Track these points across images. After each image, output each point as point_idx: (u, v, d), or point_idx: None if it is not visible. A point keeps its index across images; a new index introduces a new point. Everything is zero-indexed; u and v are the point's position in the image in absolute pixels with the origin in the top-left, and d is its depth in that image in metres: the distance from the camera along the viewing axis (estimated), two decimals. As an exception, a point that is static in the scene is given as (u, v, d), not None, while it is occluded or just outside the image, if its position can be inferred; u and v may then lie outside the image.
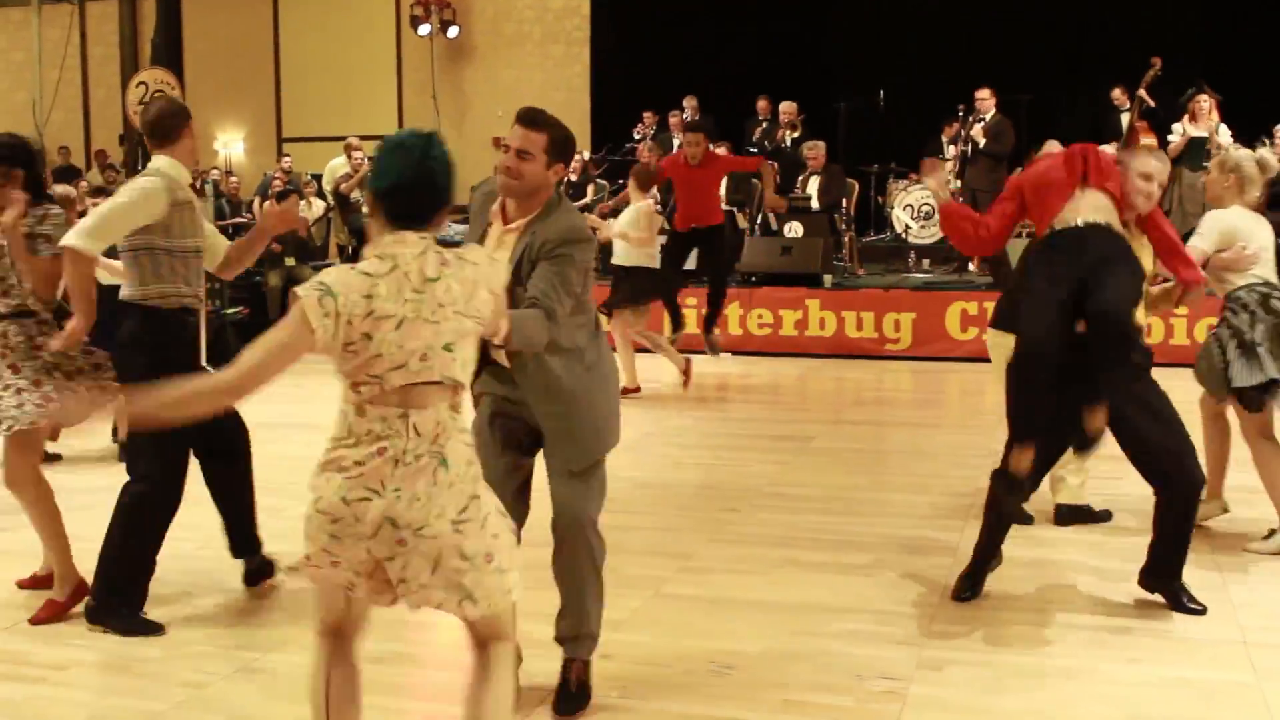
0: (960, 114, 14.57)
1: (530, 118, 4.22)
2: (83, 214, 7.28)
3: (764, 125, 16.92)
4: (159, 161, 5.33)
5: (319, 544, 3.17)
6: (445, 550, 3.13)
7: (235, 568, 5.89)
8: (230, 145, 23.10)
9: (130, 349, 5.22)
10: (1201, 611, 5.23)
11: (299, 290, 3.11)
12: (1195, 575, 5.57)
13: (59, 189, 8.43)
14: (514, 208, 4.28)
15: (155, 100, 5.72)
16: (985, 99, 14.09)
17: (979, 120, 14.10)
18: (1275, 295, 6.10)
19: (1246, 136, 13.14)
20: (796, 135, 16.07)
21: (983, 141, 13.95)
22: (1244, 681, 4.59)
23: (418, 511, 3.09)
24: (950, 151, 14.91)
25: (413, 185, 3.20)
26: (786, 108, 16.38)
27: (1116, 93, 15.44)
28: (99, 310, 5.32)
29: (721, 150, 12.45)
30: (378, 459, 3.09)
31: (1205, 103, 12.60)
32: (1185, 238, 12.39)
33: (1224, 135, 12.59)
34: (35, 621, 5.34)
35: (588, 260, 4.28)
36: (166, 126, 5.39)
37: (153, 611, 5.44)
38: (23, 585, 5.80)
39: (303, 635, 4.91)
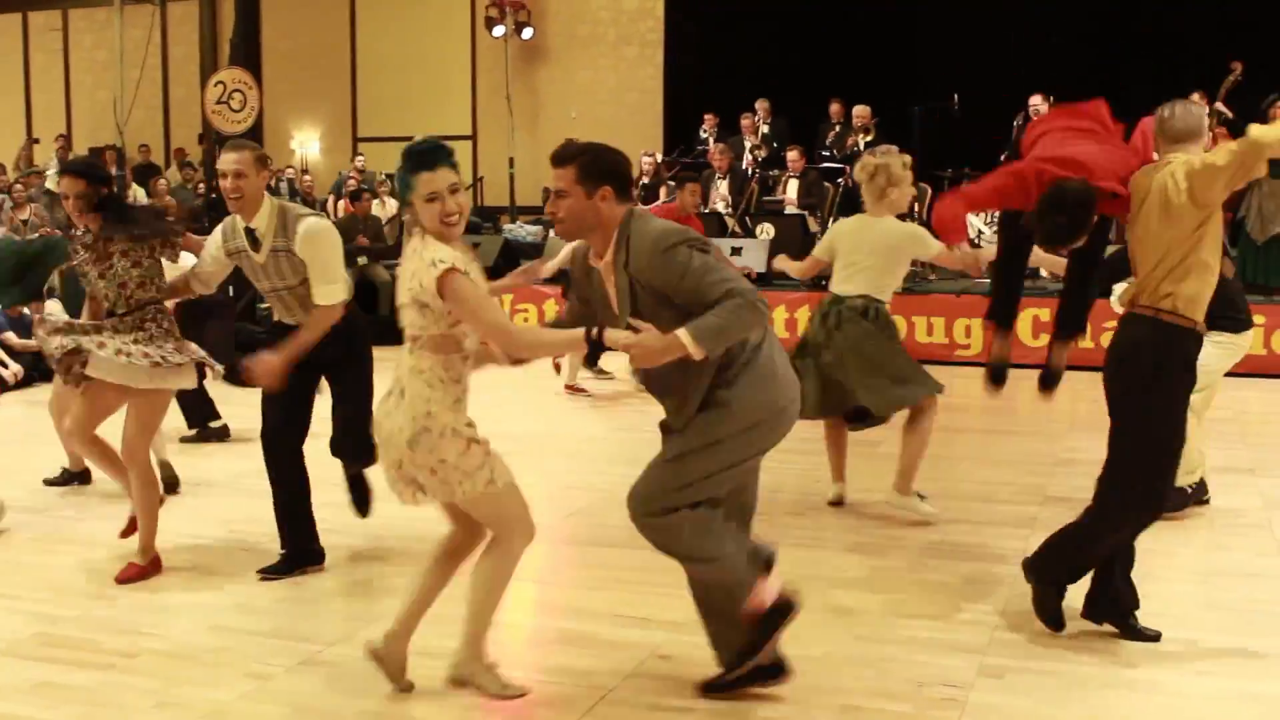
0: (1016, 123, 14.51)
1: (555, 156, 4.16)
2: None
3: (837, 129, 16.86)
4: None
5: None
6: (404, 458, 4.15)
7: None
8: (306, 144, 23.35)
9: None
10: (1154, 638, 5.03)
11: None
12: (1259, 587, 5.50)
13: None
14: (596, 243, 4.20)
15: None
16: (1038, 104, 14.09)
17: (1034, 126, 14.07)
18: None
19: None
20: (869, 139, 15.97)
21: None
22: (1313, 697, 4.52)
23: (386, 425, 4.18)
24: (1005, 158, 14.83)
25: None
26: (860, 111, 16.31)
27: (1195, 98, 15.24)
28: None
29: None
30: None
31: (1287, 109, 12.40)
32: (1268, 245, 12.32)
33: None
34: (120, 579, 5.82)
35: (698, 244, 4.06)
36: None
37: (221, 604, 5.53)
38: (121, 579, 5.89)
39: (366, 629, 4.97)
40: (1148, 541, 6.02)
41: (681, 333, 3.90)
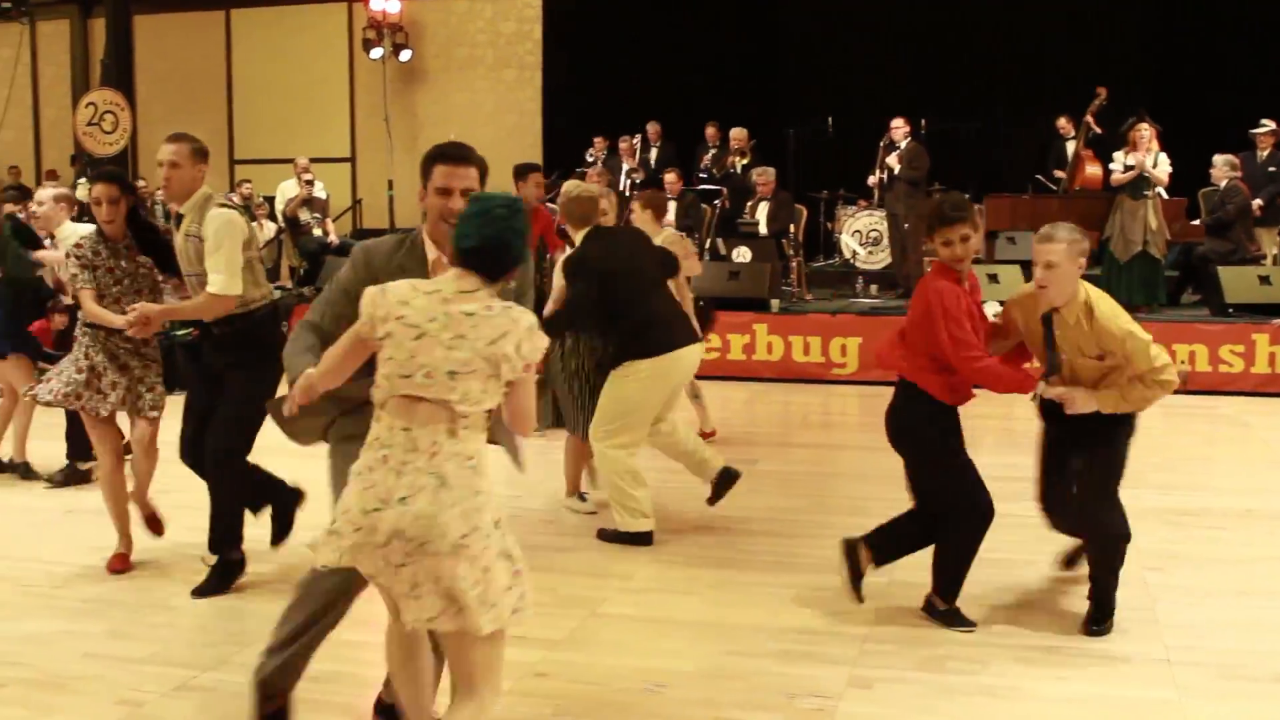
0: (882, 144, 14.85)
1: (457, 155, 4.07)
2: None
3: (713, 152, 17.05)
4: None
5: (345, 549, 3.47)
6: (444, 567, 3.36)
7: (177, 584, 5.96)
8: (182, 166, 23.01)
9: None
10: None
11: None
12: (1124, 594, 5.69)
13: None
14: None
15: None
16: (899, 128, 14.57)
17: (894, 148, 14.46)
18: None
19: (1186, 165, 13.43)
20: (746, 161, 16.19)
21: (898, 168, 14.33)
22: (1167, 699, 4.69)
23: (422, 528, 3.34)
24: (871, 180, 15.18)
25: (493, 250, 3.54)
26: (736, 134, 16.51)
27: (1062, 121, 15.70)
28: None
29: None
30: (382, 466, 3.42)
31: (1145, 132, 12.76)
32: (1130, 264, 12.66)
33: (1163, 165, 12.78)
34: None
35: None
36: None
37: (93, 632, 5.46)
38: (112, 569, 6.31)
39: (241, 654, 4.96)
40: (1014, 550, 6.20)
41: None
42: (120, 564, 6.33)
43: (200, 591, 5.91)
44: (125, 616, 5.65)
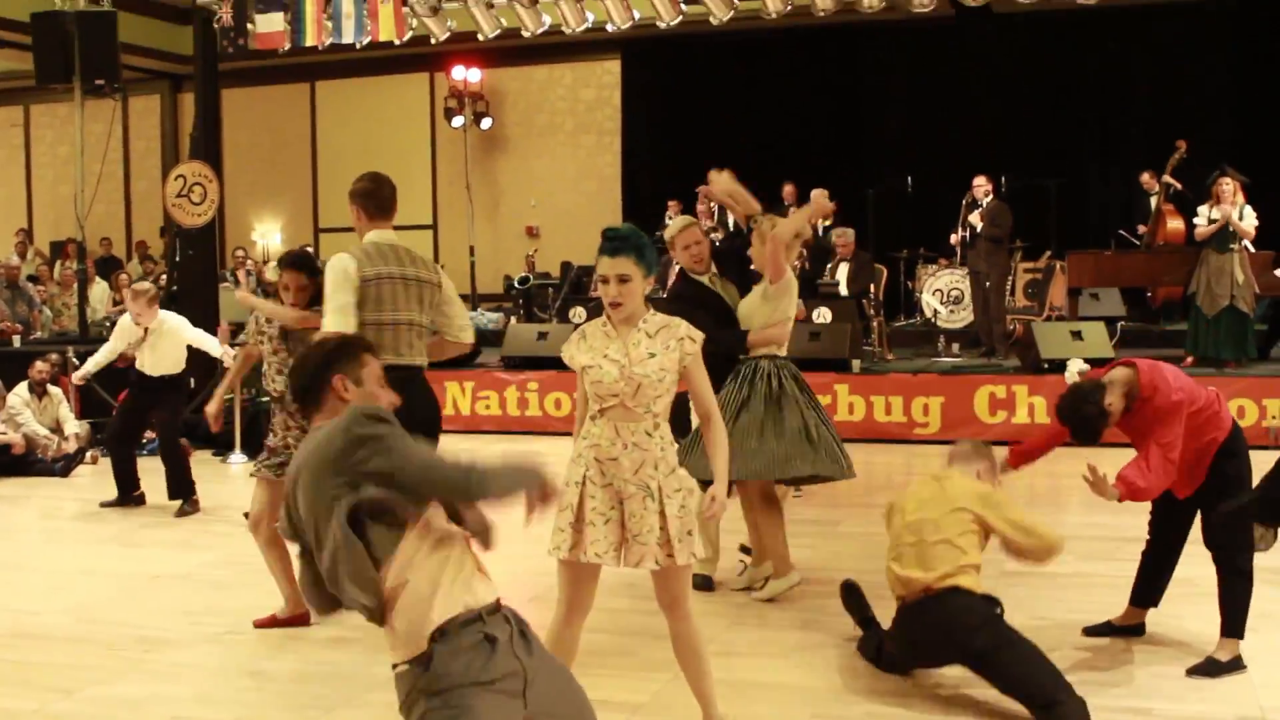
0: (965, 202, 14.78)
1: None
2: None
3: (791, 211, 17.04)
4: (364, 239, 5.91)
5: None
6: None
7: (263, 650, 5.97)
8: (268, 235, 23.44)
9: None
10: None
11: None
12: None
13: None
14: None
15: (375, 175, 6.18)
16: (981, 185, 14.54)
17: (976, 206, 14.42)
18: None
19: (1273, 217, 13.25)
20: (827, 223, 16.19)
21: (980, 226, 14.29)
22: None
23: None
24: (953, 238, 15.11)
25: None
26: (816, 195, 16.47)
27: (1145, 177, 15.59)
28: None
29: None
30: None
31: (1229, 185, 12.61)
32: (1218, 318, 12.46)
33: (1249, 218, 12.61)
34: (258, 624, 6.41)
35: None
36: (381, 200, 6.03)
37: (180, 696, 5.50)
38: (259, 624, 6.42)
39: (325, 717, 4.95)
40: (1102, 612, 6.05)
41: None
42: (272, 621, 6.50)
43: None
44: (212, 681, 5.70)
